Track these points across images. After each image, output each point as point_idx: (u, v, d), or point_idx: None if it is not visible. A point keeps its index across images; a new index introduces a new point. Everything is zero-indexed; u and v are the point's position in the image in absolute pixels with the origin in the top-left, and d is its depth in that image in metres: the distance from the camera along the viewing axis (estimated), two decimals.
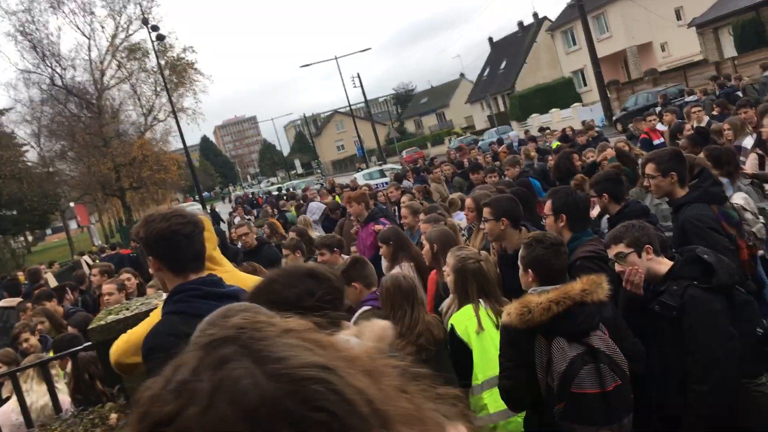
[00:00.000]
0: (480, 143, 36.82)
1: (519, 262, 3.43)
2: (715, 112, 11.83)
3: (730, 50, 35.66)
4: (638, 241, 3.44)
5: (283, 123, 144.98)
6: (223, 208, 42.10)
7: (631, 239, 3.46)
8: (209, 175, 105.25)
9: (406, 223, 7.00)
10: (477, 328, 3.81)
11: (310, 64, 56.83)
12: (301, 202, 16.54)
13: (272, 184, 72.23)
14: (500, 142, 24.12)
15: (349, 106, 59.93)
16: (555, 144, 15.88)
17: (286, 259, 6.95)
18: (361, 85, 56.91)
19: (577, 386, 2.92)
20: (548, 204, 4.20)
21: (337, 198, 16.10)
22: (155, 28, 31.83)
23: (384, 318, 3.88)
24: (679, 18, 45.08)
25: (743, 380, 3.39)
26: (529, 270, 3.32)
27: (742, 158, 7.58)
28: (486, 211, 4.64)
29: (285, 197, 24.07)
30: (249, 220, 16.29)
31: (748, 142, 7.69)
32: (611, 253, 3.51)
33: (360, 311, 4.39)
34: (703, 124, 10.14)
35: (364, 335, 2.11)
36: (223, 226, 25.66)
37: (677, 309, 3.24)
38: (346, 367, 0.76)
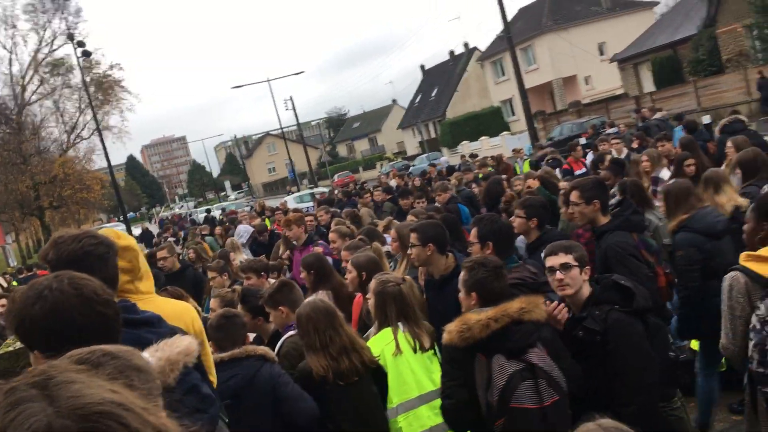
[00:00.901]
0: (411, 169, 37.16)
1: (460, 285, 3.46)
2: (634, 145, 12.30)
3: (648, 85, 37.36)
4: (583, 259, 3.55)
5: (214, 144, 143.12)
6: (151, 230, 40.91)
7: (579, 254, 3.55)
8: (135, 195, 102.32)
9: (335, 248, 6.94)
10: (395, 351, 3.81)
11: (242, 86, 56.36)
12: (230, 225, 16.23)
13: (196, 205, 70.46)
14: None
15: (281, 128, 59.62)
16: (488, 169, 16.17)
17: (212, 282, 6.78)
18: (294, 108, 56.84)
19: (516, 401, 2.98)
20: (474, 231, 4.22)
21: (266, 221, 15.88)
22: (81, 43, 30.96)
23: (308, 347, 3.80)
24: (601, 53, 47.01)
25: (660, 404, 3.46)
26: (472, 293, 3.36)
27: (659, 188, 7.89)
28: (413, 237, 4.67)
29: (220, 220, 23.62)
30: (172, 242, 15.84)
31: (665, 173, 8.01)
32: (558, 261, 3.53)
33: (286, 335, 4.31)
34: (622, 156, 10.55)
35: (164, 351, 2.04)
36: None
37: (601, 333, 3.31)
38: (143, 405, 0.78)
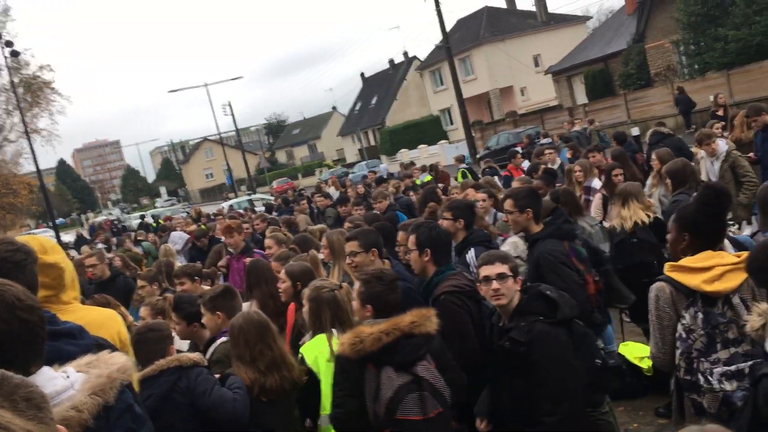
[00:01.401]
0: (351, 176, 37.18)
1: (355, 296, 3.57)
2: (568, 155, 12.60)
3: (581, 97, 38.45)
4: (516, 270, 3.65)
5: (149, 149, 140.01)
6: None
7: (513, 265, 3.64)
8: (65, 201, 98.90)
9: (270, 254, 6.88)
10: (329, 357, 3.78)
11: (179, 90, 55.06)
12: (161, 232, 15.89)
13: (129, 211, 68.30)
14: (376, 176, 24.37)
15: (219, 133, 58.79)
16: (427, 178, 16.27)
17: (142, 291, 6.59)
18: (232, 113, 56.08)
19: (402, 413, 3.10)
20: (412, 239, 4.22)
21: (203, 227, 15.60)
22: (9, 43, 29.78)
23: (237, 358, 3.73)
24: (537, 65, 48.18)
25: (587, 410, 3.54)
26: (368, 305, 3.47)
27: (591, 198, 8.12)
28: (353, 245, 4.70)
29: (153, 226, 23.07)
30: (103, 249, 15.38)
31: (596, 183, 8.25)
32: (494, 270, 3.57)
33: (219, 341, 4.24)
34: (555, 166, 10.80)
35: (101, 368, 1.99)
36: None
37: (526, 344, 3.38)
38: (26, 427, 0.75)
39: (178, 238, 12.53)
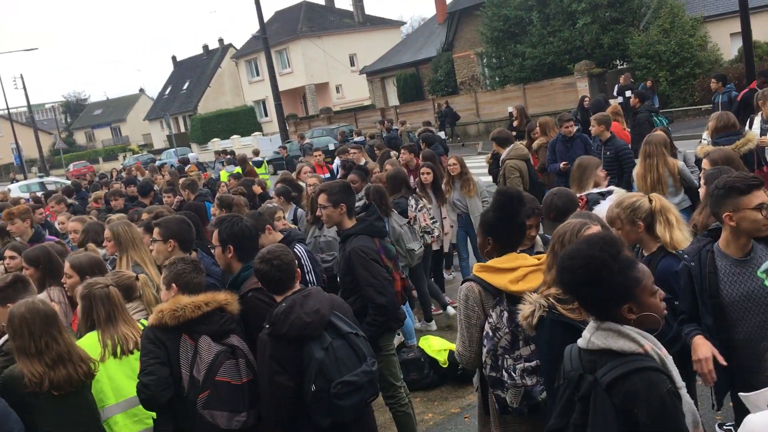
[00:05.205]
0: (158, 163, 35.39)
1: (162, 283, 3.70)
2: (377, 153, 12.90)
3: (393, 99, 39.88)
4: None
5: None
6: None
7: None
8: None
9: (74, 239, 6.41)
10: (102, 355, 3.65)
11: None
12: None
13: None
14: (184, 162, 23.30)
15: (8, 108, 53.37)
16: (237, 170, 15.86)
17: None
18: (24, 87, 51.24)
19: (221, 375, 3.37)
20: (215, 234, 4.09)
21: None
22: None
23: (20, 351, 3.39)
24: (352, 64, 49.15)
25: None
26: (173, 284, 3.60)
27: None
28: (155, 232, 4.57)
29: None
30: None
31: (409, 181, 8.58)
32: None
33: (5, 337, 3.83)
34: (361, 164, 11.07)
35: None
36: None
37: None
38: None
39: None
